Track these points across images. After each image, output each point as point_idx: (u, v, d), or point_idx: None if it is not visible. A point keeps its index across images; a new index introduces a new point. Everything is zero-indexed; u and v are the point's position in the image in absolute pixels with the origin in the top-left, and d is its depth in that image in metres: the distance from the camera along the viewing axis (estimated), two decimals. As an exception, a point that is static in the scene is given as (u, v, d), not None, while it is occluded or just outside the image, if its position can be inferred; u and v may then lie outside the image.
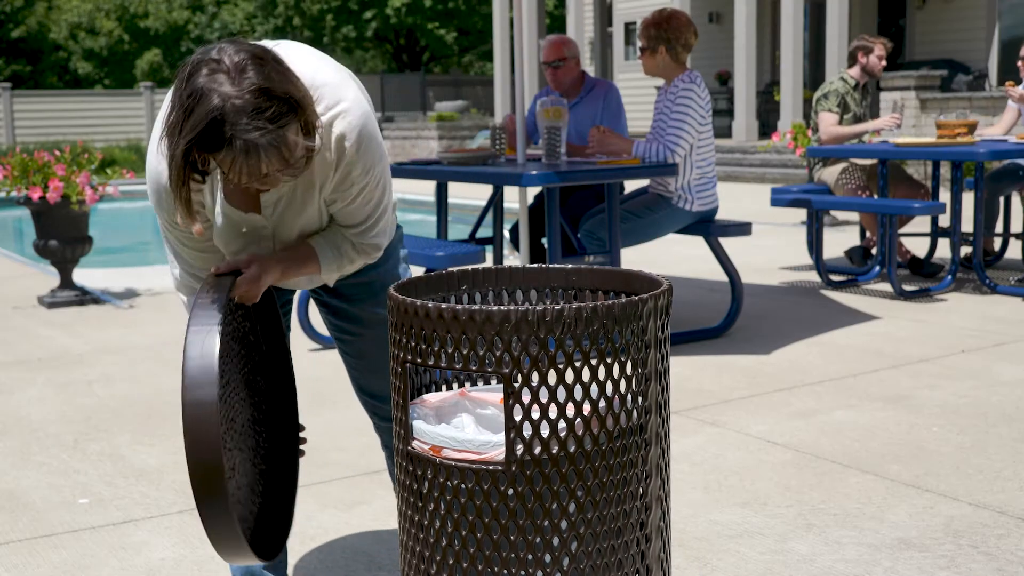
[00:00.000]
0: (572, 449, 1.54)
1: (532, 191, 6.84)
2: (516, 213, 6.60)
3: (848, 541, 2.62)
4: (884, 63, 6.60)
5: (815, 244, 6.13)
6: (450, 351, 1.55)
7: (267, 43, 1.87)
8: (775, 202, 6.26)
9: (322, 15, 26.26)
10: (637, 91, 19.80)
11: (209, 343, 1.70)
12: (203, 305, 1.76)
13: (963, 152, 5.46)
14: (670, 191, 4.86)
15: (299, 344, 4.91)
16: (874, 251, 6.46)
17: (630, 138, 4.87)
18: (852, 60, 6.64)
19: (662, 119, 4.83)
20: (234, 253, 1.96)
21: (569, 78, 5.27)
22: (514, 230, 5.46)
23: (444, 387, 1.87)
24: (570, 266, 1.87)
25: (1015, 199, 9.85)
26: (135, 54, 30.96)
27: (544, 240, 5.35)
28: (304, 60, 1.83)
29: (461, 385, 1.88)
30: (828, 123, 6.51)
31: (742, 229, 4.94)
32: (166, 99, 1.73)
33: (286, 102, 1.63)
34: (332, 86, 1.83)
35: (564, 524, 1.55)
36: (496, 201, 5.35)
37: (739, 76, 15.36)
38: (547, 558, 1.55)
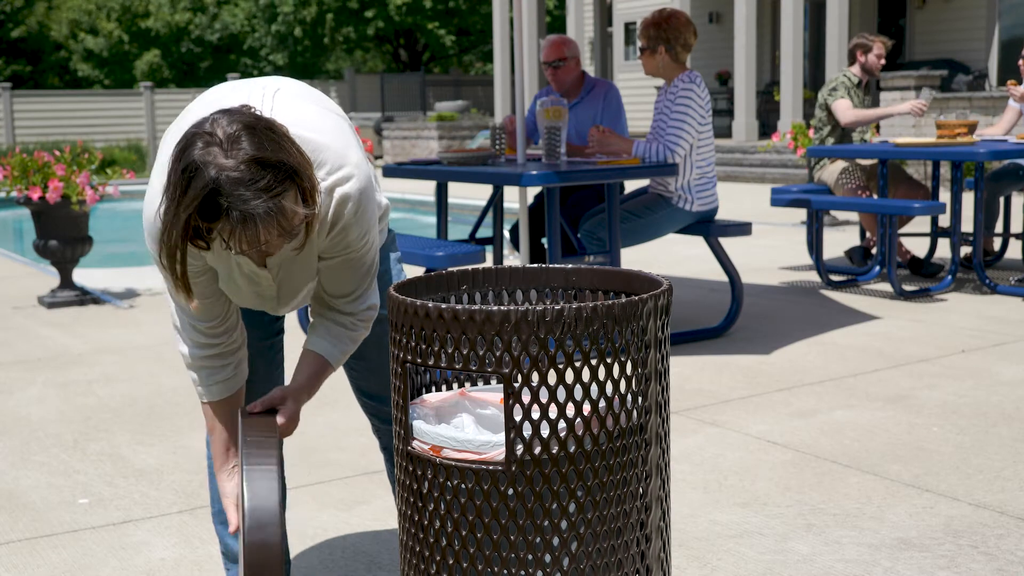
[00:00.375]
0: (572, 449, 1.54)
1: (532, 191, 6.83)
2: (516, 213, 6.60)
3: (848, 541, 2.62)
4: (883, 62, 6.60)
5: (815, 244, 6.14)
6: (450, 351, 1.55)
7: (267, 88, 1.88)
8: (775, 202, 6.26)
9: (322, 16, 26.26)
10: (637, 91, 19.81)
11: (269, 485, 1.69)
12: (255, 444, 1.75)
13: (963, 152, 5.46)
14: (670, 191, 4.86)
15: (299, 344, 4.91)
16: (874, 251, 6.46)
17: (630, 138, 4.87)
18: (852, 58, 6.65)
19: (662, 119, 4.83)
20: (241, 302, 1.97)
21: (569, 78, 5.27)
22: (514, 230, 5.46)
23: (444, 387, 1.87)
24: (570, 266, 1.87)
25: (1015, 199, 9.85)
26: (135, 55, 30.96)
27: (544, 240, 5.35)
28: (304, 120, 1.83)
29: (461, 385, 1.88)
30: (845, 108, 6.49)
31: (742, 229, 4.94)
32: (159, 169, 1.76)
33: (281, 170, 1.63)
34: (335, 151, 1.83)
35: (564, 524, 1.55)
36: (496, 201, 5.35)
37: (739, 76, 15.36)
38: (547, 558, 1.55)
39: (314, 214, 1.69)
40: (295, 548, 2.70)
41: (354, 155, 1.86)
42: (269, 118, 1.69)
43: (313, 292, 2.00)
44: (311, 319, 2.05)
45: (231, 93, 1.91)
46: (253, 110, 1.69)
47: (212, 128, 1.63)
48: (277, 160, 1.62)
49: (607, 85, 5.31)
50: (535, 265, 1.90)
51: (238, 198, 1.59)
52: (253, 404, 1.89)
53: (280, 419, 1.88)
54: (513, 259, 7.03)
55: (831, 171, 6.53)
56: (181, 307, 1.96)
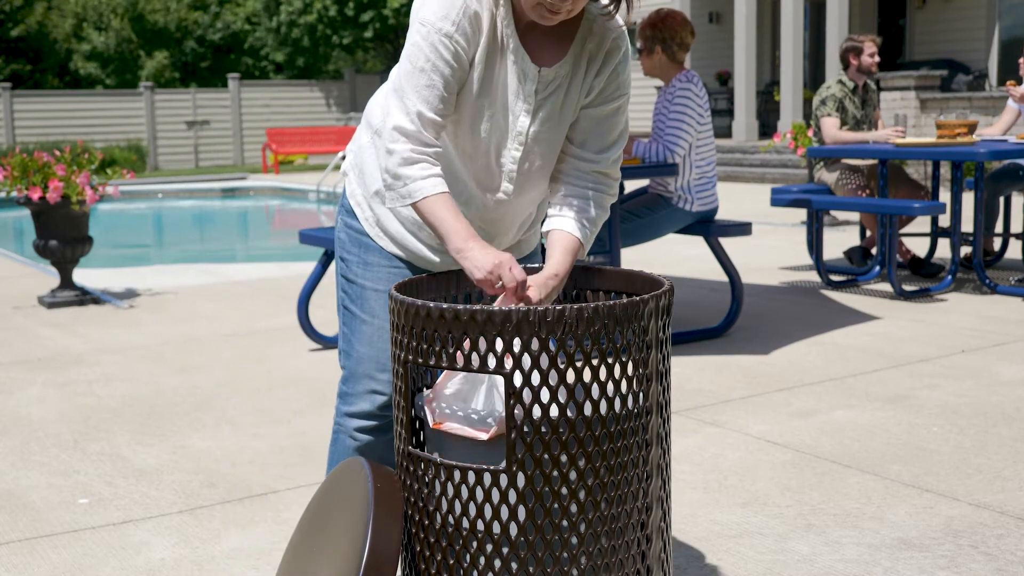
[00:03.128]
0: (573, 449, 1.54)
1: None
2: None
3: (848, 541, 2.62)
4: (877, 59, 6.56)
5: (815, 244, 6.14)
6: (451, 351, 1.55)
7: None
8: (775, 202, 6.26)
9: (320, 21, 26.29)
10: (637, 91, 19.79)
11: (394, 536, 1.66)
12: (386, 492, 1.72)
13: (963, 152, 5.46)
14: (670, 191, 4.86)
15: (299, 344, 4.91)
16: (874, 251, 6.46)
17: (630, 137, 4.86)
18: (845, 63, 6.58)
19: (660, 120, 4.83)
20: (477, 128, 1.90)
21: None
22: None
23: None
24: (570, 266, 1.86)
25: (1015, 199, 9.85)
26: (141, 54, 30.93)
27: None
28: None
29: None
30: (831, 127, 6.48)
31: (742, 229, 4.94)
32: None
33: None
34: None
35: (565, 524, 1.55)
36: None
37: (739, 76, 15.35)
38: (547, 558, 1.55)
39: None
40: (295, 548, 2.70)
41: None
42: None
43: (552, 170, 1.98)
44: (551, 201, 1.97)
45: None
46: None
47: None
48: None
49: None
50: (535, 265, 1.89)
51: None
52: (504, 290, 1.75)
53: (529, 295, 1.78)
54: (513, 259, 7.03)
55: (831, 171, 6.53)
56: (413, 108, 1.82)
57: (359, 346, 2.06)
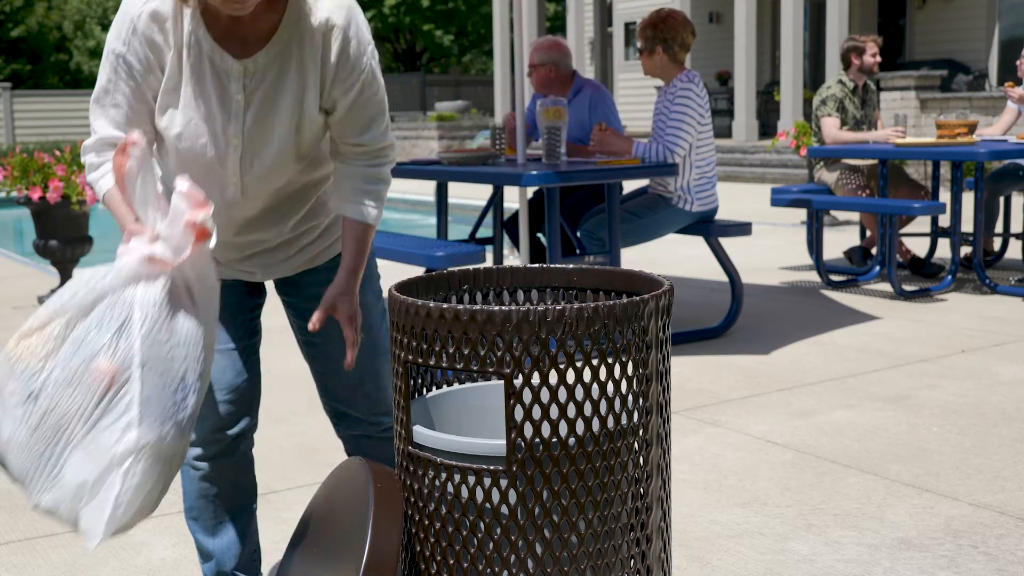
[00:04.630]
0: (573, 450, 1.54)
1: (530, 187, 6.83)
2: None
3: (848, 541, 2.62)
4: (879, 59, 6.55)
5: (815, 244, 6.14)
6: (451, 351, 1.55)
7: None
8: (775, 202, 6.26)
9: None
10: (637, 91, 19.81)
11: (394, 536, 1.66)
12: (386, 492, 1.73)
13: (963, 152, 5.46)
14: (670, 191, 4.86)
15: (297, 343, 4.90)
16: (874, 251, 6.46)
17: (630, 138, 4.86)
18: (846, 63, 6.58)
19: (661, 120, 4.83)
20: (187, 147, 1.89)
21: (545, 82, 5.23)
22: (511, 222, 5.44)
23: (444, 386, 1.87)
24: (571, 266, 1.87)
25: (1015, 199, 9.85)
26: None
27: (540, 235, 5.35)
28: None
29: (462, 384, 1.88)
30: (830, 127, 6.48)
31: (742, 229, 4.94)
32: None
33: None
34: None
35: (565, 524, 1.55)
36: (496, 201, 5.35)
37: (739, 76, 15.36)
38: (547, 558, 1.55)
39: None
40: (295, 548, 2.70)
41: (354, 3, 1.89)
42: None
43: (298, 160, 1.94)
44: (334, 181, 1.99)
45: None
46: None
47: None
48: None
49: (594, 88, 5.28)
50: (535, 265, 1.90)
51: None
52: (312, 322, 1.89)
53: (346, 333, 1.91)
54: (513, 259, 7.03)
55: (831, 171, 6.53)
56: (113, 106, 1.89)
57: None
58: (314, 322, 1.90)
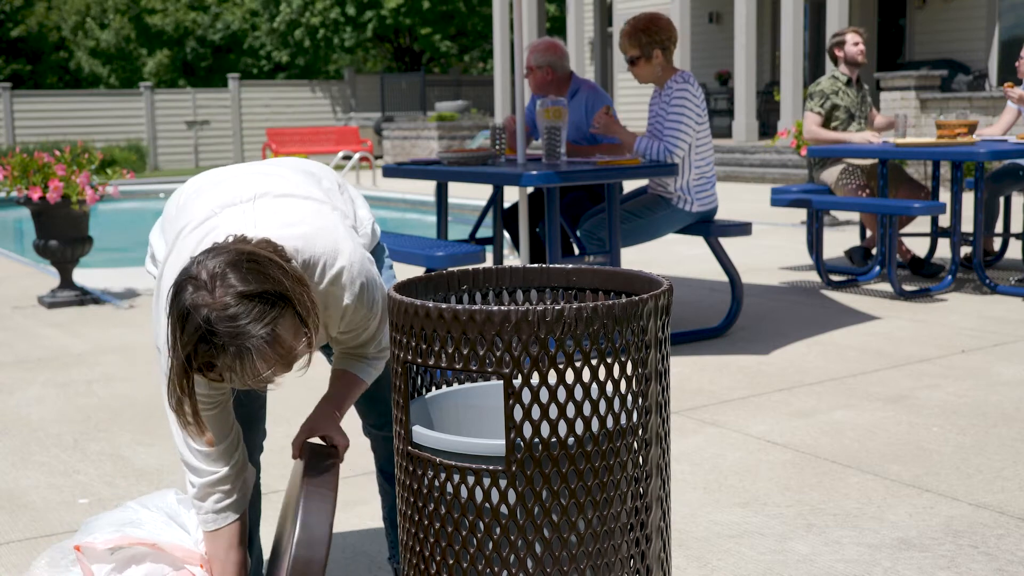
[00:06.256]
0: (572, 449, 1.54)
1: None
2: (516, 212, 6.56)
3: (848, 541, 2.62)
4: (862, 47, 6.56)
5: (815, 244, 6.14)
6: (450, 351, 1.55)
7: (246, 197, 1.90)
8: (775, 202, 6.26)
9: (322, 24, 26.32)
10: (637, 91, 19.79)
11: (325, 510, 1.73)
12: (317, 470, 1.81)
13: (963, 152, 5.46)
14: (670, 192, 4.86)
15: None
16: (874, 251, 6.46)
17: (633, 134, 4.85)
18: (833, 60, 6.62)
19: (658, 121, 4.82)
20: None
21: (543, 84, 5.24)
22: (510, 217, 5.44)
23: (444, 386, 1.87)
24: (570, 266, 1.87)
25: (1015, 199, 9.84)
26: (142, 53, 30.93)
27: (538, 230, 5.35)
28: (289, 221, 1.87)
29: (461, 384, 1.88)
30: (810, 123, 6.54)
31: (742, 229, 4.94)
32: (163, 316, 1.78)
33: (270, 298, 1.66)
34: (324, 245, 1.87)
35: (564, 524, 1.55)
36: (496, 201, 5.35)
37: (739, 76, 15.35)
38: (547, 558, 1.55)
39: (313, 335, 1.73)
40: (295, 548, 2.70)
41: (344, 244, 1.89)
42: (251, 249, 1.70)
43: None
44: (334, 358, 2.12)
45: (213, 192, 1.95)
46: (236, 236, 1.74)
47: (198, 271, 1.66)
48: (263, 290, 1.65)
49: (591, 89, 5.28)
50: (535, 265, 1.90)
51: (229, 333, 1.62)
52: (292, 453, 1.99)
53: (338, 441, 1.99)
54: (513, 259, 7.03)
55: (831, 171, 6.53)
56: (191, 445, 1.94)
57: None
58: (294, 454, 2.00)
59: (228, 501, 1.95)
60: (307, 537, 1.71)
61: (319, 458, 1.87)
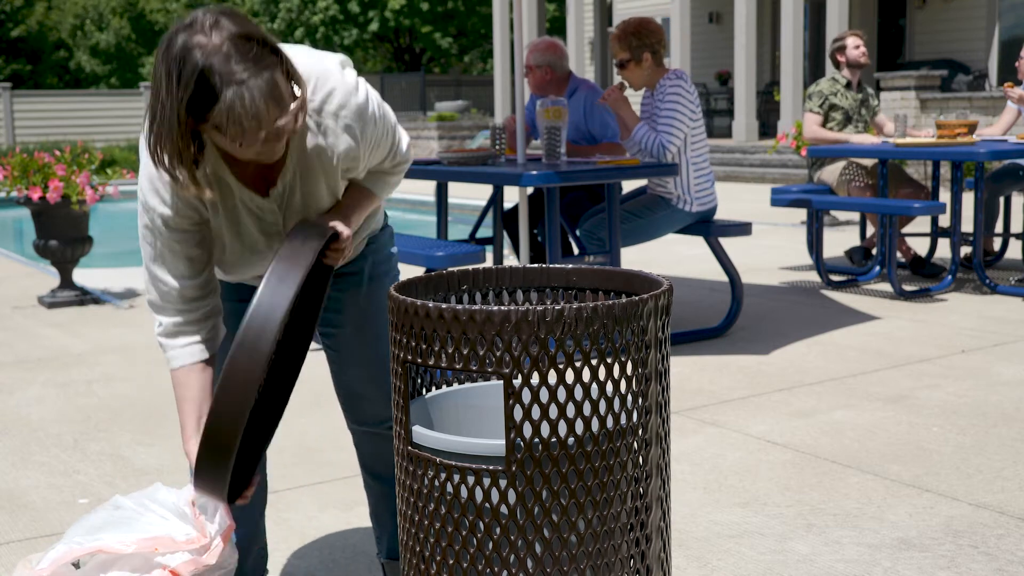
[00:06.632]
0: (572, 450, 1.54)
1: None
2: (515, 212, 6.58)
3: (848, 541, 2.62)
4: (863, 49, 6.58)
5: (815, 244, 6.14)
6: (450, 351, 1.55)
7: None
8: (775, 202, 6.26)
9: (324, 22, 26.33)
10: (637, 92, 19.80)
11: (282, 295, 1.69)
12: (292, 252, 1.74)
13: (963, 152, 5.46)
14: (669, 192, 4.86)
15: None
16: (875, 251, 6.46)
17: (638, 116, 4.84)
18: (835, 63, 6.64)
19: (652, 119, 4.83)
20: (235, 256, 1.95)
21: (542, 84, 5.25)
22: (510, 218, 5.44)
23: (444, 386, 1.87)
24: (570, 266, 1.87)
25: (1015, 199, 9.84)
26: (141, 53, 30.93)
27: (536, 231, 5.35)
28: (286, 47, 1.85)
29: (461, 384, 1.88)
30: (810, 123, 6.56)
31: (742, 229, 4.94)
32: (151, 85, 1.72)
33: (267, 44, 1.65)
34: (321, 72, 1.84)
35: (564, 524, 1.55)
36: (496, 201, 5.35)
37: (739, 76, 15.36)
38: (547, 558, 1.55)
39: (300, 98, 1.69)
40: (295, 548, 2.70)
41: (347, 74, 1.87)
42: (241, 11, 1.71)
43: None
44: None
45: None
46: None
47: (191, 20, 1.65)
48: (260, 35, 1.64)
49: (589, 88, 5.28)
50: (535, 265, 1.90)
51: (229, 73, 1.60)
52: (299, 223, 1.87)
53: (337, 224, 1.87)
54: (513, 260, 7.03)
55: (831, 170, 6.53)
56: (165, 267, 1.89)
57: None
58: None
59: (195, 338, 1.91)
60: (262, 310, 1.67)
61: (305, 230, 1.80)
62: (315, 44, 27.10)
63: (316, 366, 4.48)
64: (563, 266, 1.87)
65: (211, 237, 1.92)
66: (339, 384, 2.24)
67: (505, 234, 5.47)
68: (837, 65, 6.61)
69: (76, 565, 1.79)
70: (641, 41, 4.81)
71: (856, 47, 6.54)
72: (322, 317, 2.18)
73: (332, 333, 2.18)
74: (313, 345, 4.88)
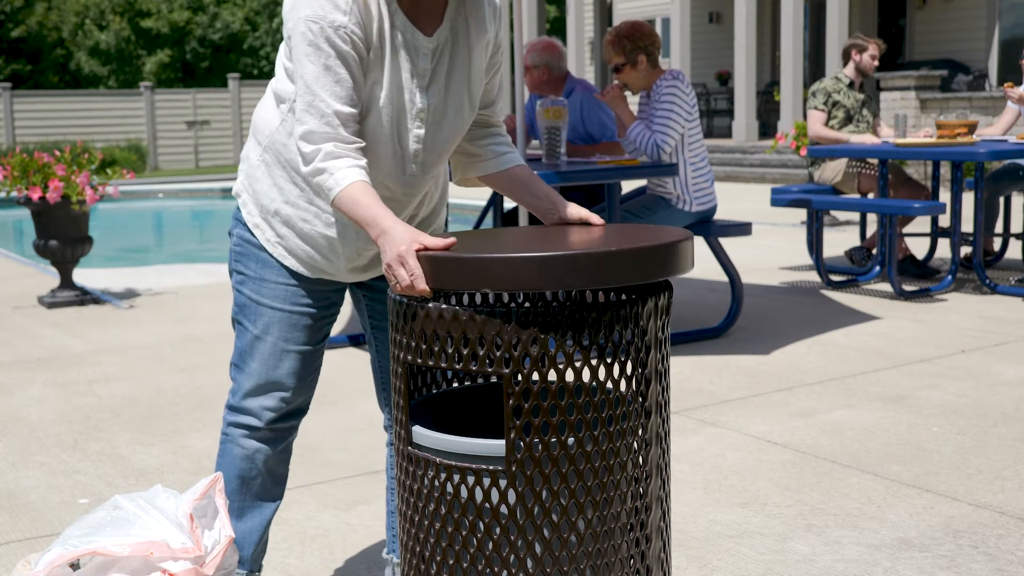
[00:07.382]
0: (572, 450, 1.54)
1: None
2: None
3: (848, 541, 2.62)
4: (877, 63, 6.61)
5: (815, 244, 6.14)
6: (450, 351, 1.55)
7: None
8: (775, 202, 6.26)
9: None
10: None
11: None
12: None
13: (963, 152, 5.46)
14: (669, 192, 4.86)
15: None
16: (875, 251, 6.46)
17: (625, 127, 4.84)
18: (846, 58, 6.65)
19: (648, 119, 4.82)
20: (383, 134, 1.89)
21: (539, 84, 5.25)
22: (510, 219, 5.44)
23: (444, 386, 1.87)
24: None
25: (1015, 199, 9.84)
26: (141, 54, 30.93)
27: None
28: None
29: (461, 383, 1.88)
30: (814, 120, 6.57)
31: (742, 229, 4.94)
32: None
33: None
34: None
35: (564, 524, 1.55)
36: (496, 201, 5.35)
37: (739, 76, 15.36)
38: (547, 558, 1.55)
39: None
40: (295, 548, 2.69)
41: None
42: None
43: (465, 131, 1.99)
44: (480, 153, 2.05)
45: None
46: None
47: None
48: None
49: (586, 88, 5.28)
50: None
51: None
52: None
53: (588, 216, 1.91)
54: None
55: (832, 168, 6.54)
56: (324, 88, 1.80)
57: (252, 362, 2.04)
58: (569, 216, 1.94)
59: (360, 162, 1.81)
60: None
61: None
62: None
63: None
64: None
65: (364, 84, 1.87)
66: (384, 382, 2.22)
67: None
68: (847, 60, 6.63)
69: (75, 567, 1.78)
70: (635, 44, 4.82)
71: (873, 57, 6.58)
72: (375, 309, 2.16)
73: (385, 327, 2.16)
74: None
